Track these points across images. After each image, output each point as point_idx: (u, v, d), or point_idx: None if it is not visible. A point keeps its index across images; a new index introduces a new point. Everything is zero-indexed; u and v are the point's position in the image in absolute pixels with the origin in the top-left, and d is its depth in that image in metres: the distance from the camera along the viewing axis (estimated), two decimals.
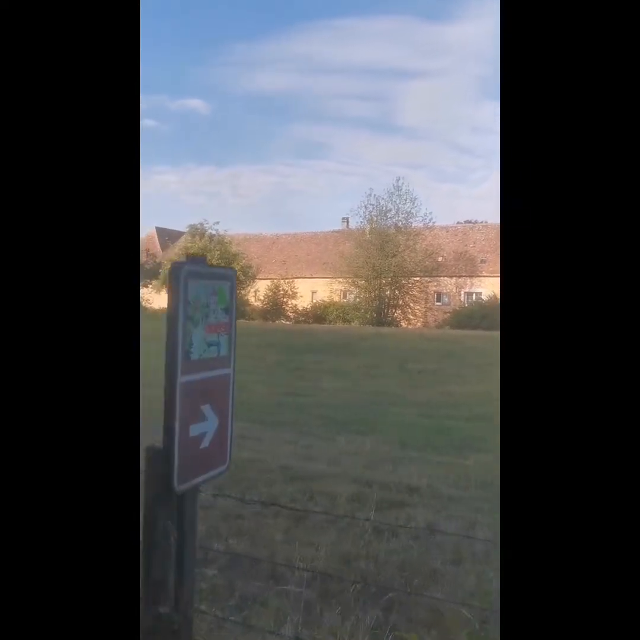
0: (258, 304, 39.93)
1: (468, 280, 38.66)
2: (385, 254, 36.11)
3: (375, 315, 36.56)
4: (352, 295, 38.47)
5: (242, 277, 34.72)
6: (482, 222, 43.18)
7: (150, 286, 36.78)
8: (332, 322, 36.60)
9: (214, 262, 33.35)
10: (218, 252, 33.59)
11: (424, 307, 38.94)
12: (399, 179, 44.15)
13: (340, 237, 43.33)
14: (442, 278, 38.28)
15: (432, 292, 38.82)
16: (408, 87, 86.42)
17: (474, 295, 38.10)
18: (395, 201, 37.68)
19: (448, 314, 36.56)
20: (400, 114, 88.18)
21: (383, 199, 37.82)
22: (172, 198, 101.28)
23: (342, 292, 40.36)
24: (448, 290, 38.84)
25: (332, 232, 45.16)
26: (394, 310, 38.10)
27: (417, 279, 37.59)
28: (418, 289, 38.32)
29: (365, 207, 38.00)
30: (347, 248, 37.83)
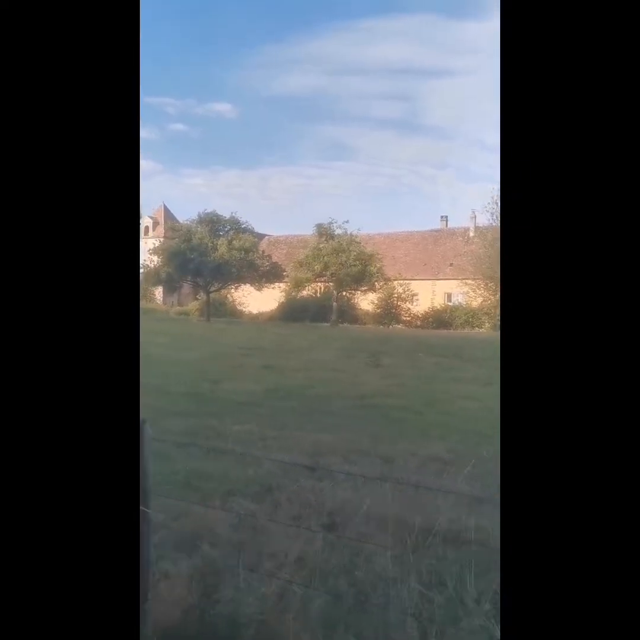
0: (371, 307, 37.46)
1: None
2: None
3: None
4: (465, 297, 36.43)
5: (379, 279, 32.33)
6: None
7: (273, 288, 34.13)
8: (458, 328, 34.48)
9: (350, 262, 30.97)
10: (354, 253, 31.13)
11: None
12: None
13: (440, 237, 41.35)
14: None
15: None
16: (433, 86, 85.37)
17: None
18: None
19: None
20: (426, 114, 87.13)
21: None
22: (201, 200, 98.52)
23: (446, 295, 38.52)
24: None
25: (431, 231, 43.07)
26: None
27: None
28: None
29: (495, 204, 35.86)
30: (473, 248, 35.72)
